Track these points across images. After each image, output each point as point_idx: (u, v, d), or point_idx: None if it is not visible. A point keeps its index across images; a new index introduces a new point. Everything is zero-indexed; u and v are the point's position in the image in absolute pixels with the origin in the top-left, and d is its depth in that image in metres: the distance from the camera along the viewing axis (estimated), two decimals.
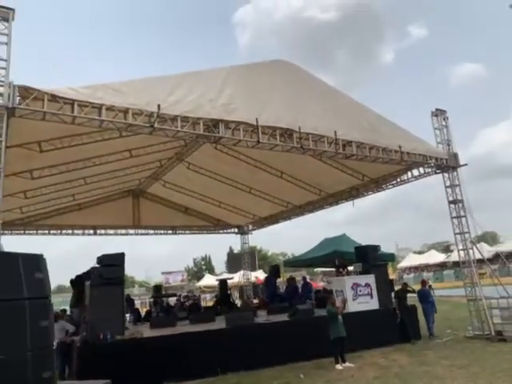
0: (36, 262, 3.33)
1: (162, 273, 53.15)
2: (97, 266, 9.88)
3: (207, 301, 31.40)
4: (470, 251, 12.11)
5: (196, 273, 78.75)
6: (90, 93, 7.51)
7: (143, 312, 17.42)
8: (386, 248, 14.78)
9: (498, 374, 7.30)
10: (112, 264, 9.50)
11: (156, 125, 8.08)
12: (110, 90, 7.71)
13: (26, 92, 7.07)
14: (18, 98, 7.02)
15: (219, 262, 78.25)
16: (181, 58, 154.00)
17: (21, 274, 3.15)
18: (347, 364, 9.06)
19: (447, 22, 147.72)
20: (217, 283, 44.22)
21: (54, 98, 7.28)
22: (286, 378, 8.36)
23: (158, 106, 8.02)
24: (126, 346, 8.93)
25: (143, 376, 8.57)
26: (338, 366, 8.95)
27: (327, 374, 8.53)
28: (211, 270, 74.56)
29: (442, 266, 53.98)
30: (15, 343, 2.95)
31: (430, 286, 13.55)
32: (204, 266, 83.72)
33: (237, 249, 50.38)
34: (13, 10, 7.18)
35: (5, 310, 2.94)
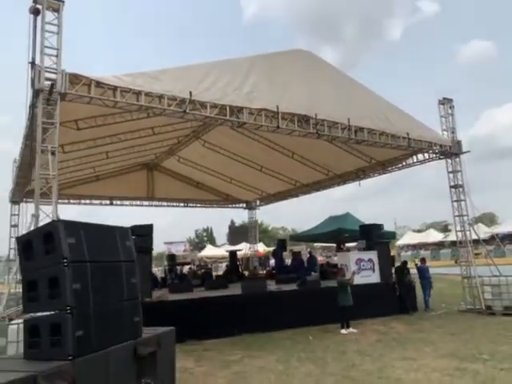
0: (126, 233, 4.24)
1: (165, 243, 54.21)
2: None
3: None
4: (467, 233, 13.08)
5: (197, 244, 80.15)
6: (130, 80, 8.29)
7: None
8: (384, 225, 15.77)
9: (483, 340, 8.36)
10: (141, 234, 10.43)
11: (188, 110, 8.87)
12: (148, 77, 8.49)
13: (75, 79, 7.85)
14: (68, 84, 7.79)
15: (220, 234, 79.53)
16: (181, 29, 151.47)
17: (117, 242, 4.06)
18: (351, 329, 10.15)
19: None
20: (218, 254, 45.72)
21: (98, 84, 8.07)
22: (296, 339, 9.43)
23: (190, 92, 8.81)
24: (154, 308, 9.94)
25: None
26: (343, 331, 10.05)
27: (333, 337, 9.62)
28: (212, 242, 75.83)
29: (440, 244, 55.29)
30: (118, 294, 3.87)
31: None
32: (206, 237, 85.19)
33: (238, 222, 51.60)
34: (63, 1, 7.87)
35: (111, 270, 3.85)
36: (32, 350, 3.36)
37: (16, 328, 5.86)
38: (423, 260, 14.92)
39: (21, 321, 6.15)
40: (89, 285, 3.47)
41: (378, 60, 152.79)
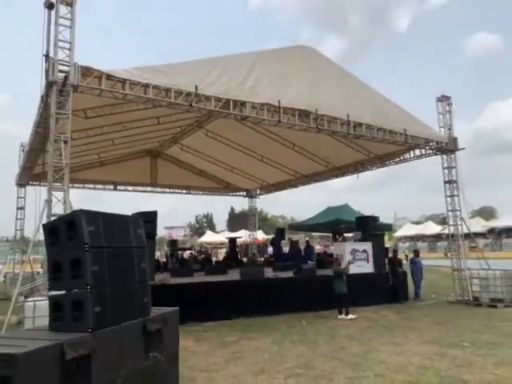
0: (137, 222, 4.68)
1: (165, 227, 54.89)
2: None
3: None
4: (459, 227, 13.56)
5: (197, 229, 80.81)
6: (139, 74, 8.67)
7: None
8: (383, 217, 16.30)
9: (467, 329, 8.87)
10: (146, 220, 10.88)
11: (193, 104, 9.27)
12: (156, 71, 8.87)
13: (87, 71, 8.23)
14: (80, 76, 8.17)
15: (220, 221, 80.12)
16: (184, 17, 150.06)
17: (130, 230, 4.51)
18: (343, 316, 10.67)
19: None
20: (217, 240, 46.34)
21: (109, 77, 8.45)
22: (290, 324, 9.96)
23: (196, 87, 9.20)
24: (156, 290, 10.41)
25: None
26: (350, 316, 10.55)
27: (326, 322, 10.15)
28: (212, 228, 76.45)
29: (437, 237, 55.82)
30: (130, 277, 4.33)
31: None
32: (205, 223, 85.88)
33: (237, 209, 52.15)
34: None
35: (124, 255, 4.31)
36: (56, 323, 3.83)
37: (32, 305, 6.35)
38: (416, 252, 15.34)
39: (36, 298, 6.67)
40: (105, 267, 3.92)
41: (383, 50, 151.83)
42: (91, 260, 3.78)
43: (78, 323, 3.69)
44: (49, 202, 7.65)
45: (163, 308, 5.21)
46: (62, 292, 3.91)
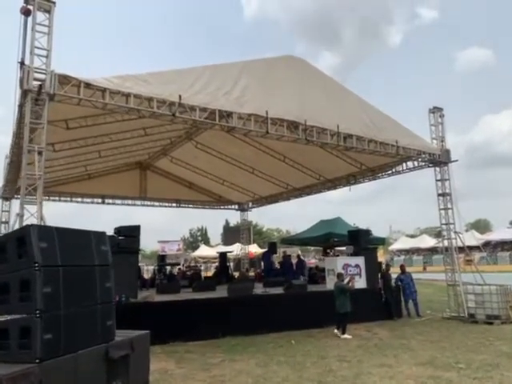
0: (102, 238, 4.30)
1: (159, 241, 54.18)
2: (114, 235, 10.86)
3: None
4: (453, 240, 13.22)
5: (191, 243, 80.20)
6: (120, 82, 8.35)
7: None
8: (379, 229, 15.94)
9: (462, 349, 8.46)
10: (129, 235, 10.49)
11: (177, 114, 8.94)
12: (137, 80, 8.54)
13: (64, 79, 7.89)
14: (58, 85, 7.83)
15: (214, 234, 79.62)
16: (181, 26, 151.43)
17: (92, 246, 4.13)
18: (337, 331, 10.22)
19: (459, 4, 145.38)
20: (211, 254, 45.73)
21: (88, 85, 8.12)
22: (278, 343, 9.51)
23: (180, 96, 8.89)
24: (139, 308, 10.01)
25: (151, 335, 9.69)
26: (345, 336, 10.07)
27: (315, 341, 9.70)
28: (207, 242, 75.84)
29: (433, 250, 55.53)
30: (91, 298, 3.94)
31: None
32: (200, 237, 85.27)
33: (232, 222, 51.66)
34: (54, 2, 7.92)
35: (84, 274, 3.91)
36: (0, 352, 3.42)
37: None
38: (402, 268, 14.70)
39: None
40: (60, 289, 3.54)
41: (376, 66, 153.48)
42: (42, 280, 3.39)
43: (25, 352, 3.29)
44: (21, 215, 7.24)
45: (133, 331, 4.82)
46: (8, 317, 3.50)
